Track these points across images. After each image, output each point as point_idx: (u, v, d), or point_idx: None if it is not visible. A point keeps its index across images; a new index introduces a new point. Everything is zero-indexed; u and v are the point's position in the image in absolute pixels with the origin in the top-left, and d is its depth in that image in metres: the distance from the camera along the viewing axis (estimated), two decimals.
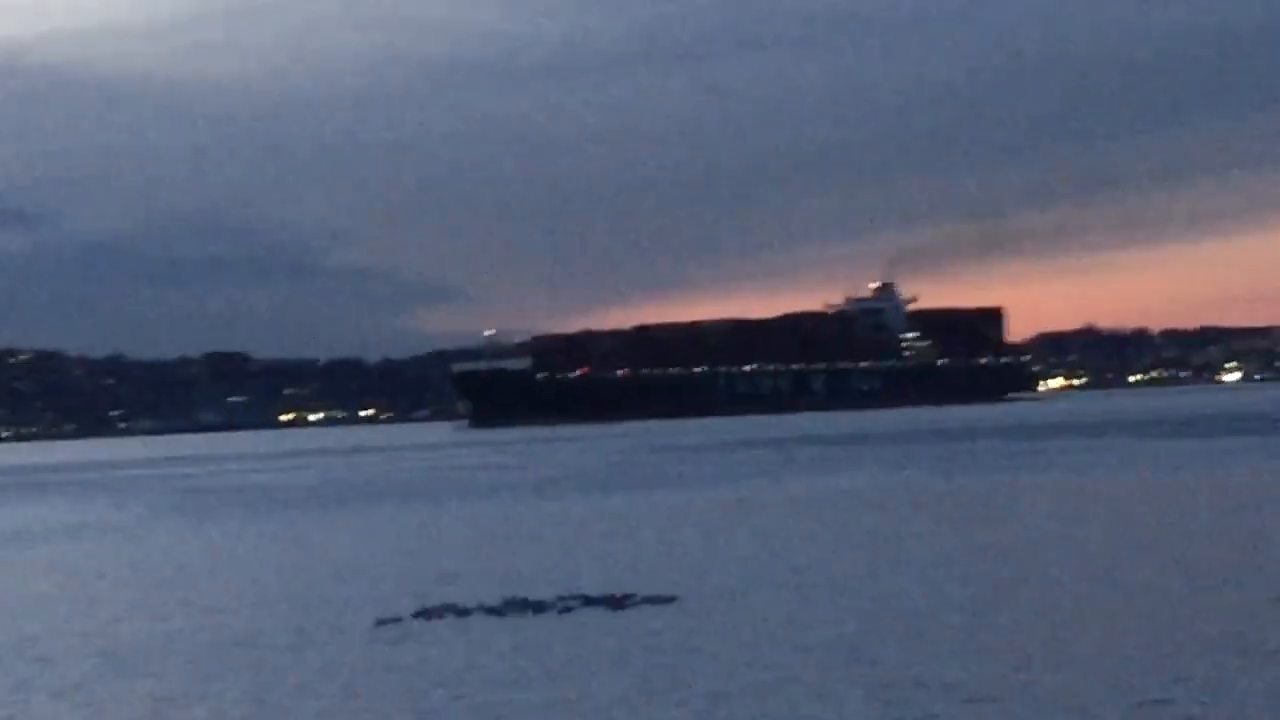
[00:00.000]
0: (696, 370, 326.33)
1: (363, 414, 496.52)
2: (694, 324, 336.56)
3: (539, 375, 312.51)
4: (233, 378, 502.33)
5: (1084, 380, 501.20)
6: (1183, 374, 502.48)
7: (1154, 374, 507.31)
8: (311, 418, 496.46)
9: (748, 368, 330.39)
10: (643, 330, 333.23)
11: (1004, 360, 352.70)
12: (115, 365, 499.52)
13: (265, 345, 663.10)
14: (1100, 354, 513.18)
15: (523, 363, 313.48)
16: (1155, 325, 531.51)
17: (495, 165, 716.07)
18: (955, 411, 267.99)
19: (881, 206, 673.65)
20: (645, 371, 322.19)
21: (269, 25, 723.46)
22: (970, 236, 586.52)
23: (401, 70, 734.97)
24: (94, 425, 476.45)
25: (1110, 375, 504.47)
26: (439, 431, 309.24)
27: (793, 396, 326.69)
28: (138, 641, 35.94)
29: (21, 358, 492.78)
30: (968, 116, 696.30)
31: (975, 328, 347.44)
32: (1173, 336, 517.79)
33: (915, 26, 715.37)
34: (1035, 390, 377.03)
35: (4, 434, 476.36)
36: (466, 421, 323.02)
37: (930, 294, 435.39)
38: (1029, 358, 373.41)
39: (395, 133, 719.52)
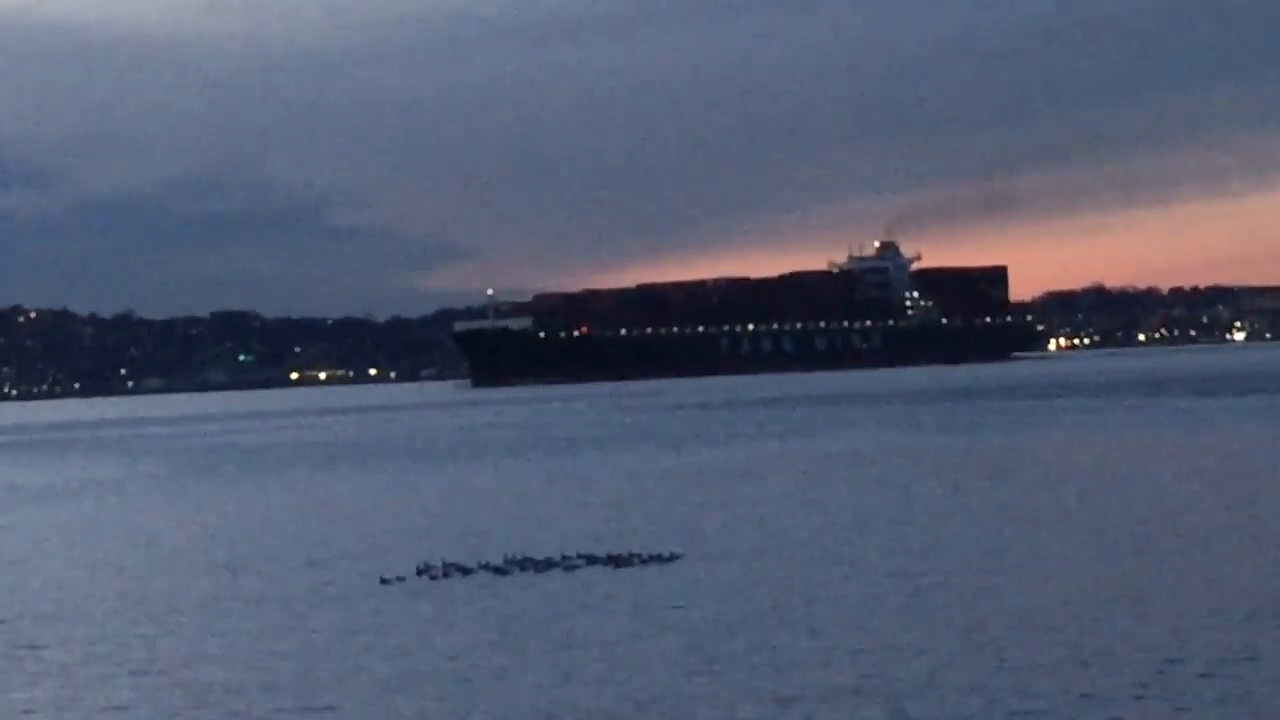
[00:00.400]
0: (699, 329, 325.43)
1: (371, 373, 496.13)
2: (696, 283, 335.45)
3: (540, 334, 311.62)
4: (241, 337, 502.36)
5: (1093, 339, 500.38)
6: (1192, 333, 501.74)
7: (1162, 333, 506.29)
8: (320, 377, 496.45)
9: (750, 327, 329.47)
10: (645, 289, 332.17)
11: (1008, 320, 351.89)
12: (123, 324, 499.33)
13: (273, 304, 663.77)
14: (1109, 313, 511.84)
15: (524, 322, 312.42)
16: (1164, 285, 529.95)
17: (504, 125, 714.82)
18: (958, 371, 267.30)
19: (887, 166, 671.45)
20: (647, 331, 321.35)
21: None
22: (976, 196, 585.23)
23: (411, 29, 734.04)
24: (102, 384, 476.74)
25: (1119, 334, 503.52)
26: (440, 391, 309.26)
27: (795, 356, 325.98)
28: (143, 599, 36.06)
29: (30, 316, 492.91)
30: (974, 76, 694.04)
31: (979, 287, 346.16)
32: (1181, 296, 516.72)
33: None
34: (1039, 349, 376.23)
35: (12, 392, 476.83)
36: (468, 381, 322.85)
37: (937, 254, 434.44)
38: (1032, 317, 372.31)
39: (406, 92, 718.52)
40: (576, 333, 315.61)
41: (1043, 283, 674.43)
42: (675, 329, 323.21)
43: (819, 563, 36.87)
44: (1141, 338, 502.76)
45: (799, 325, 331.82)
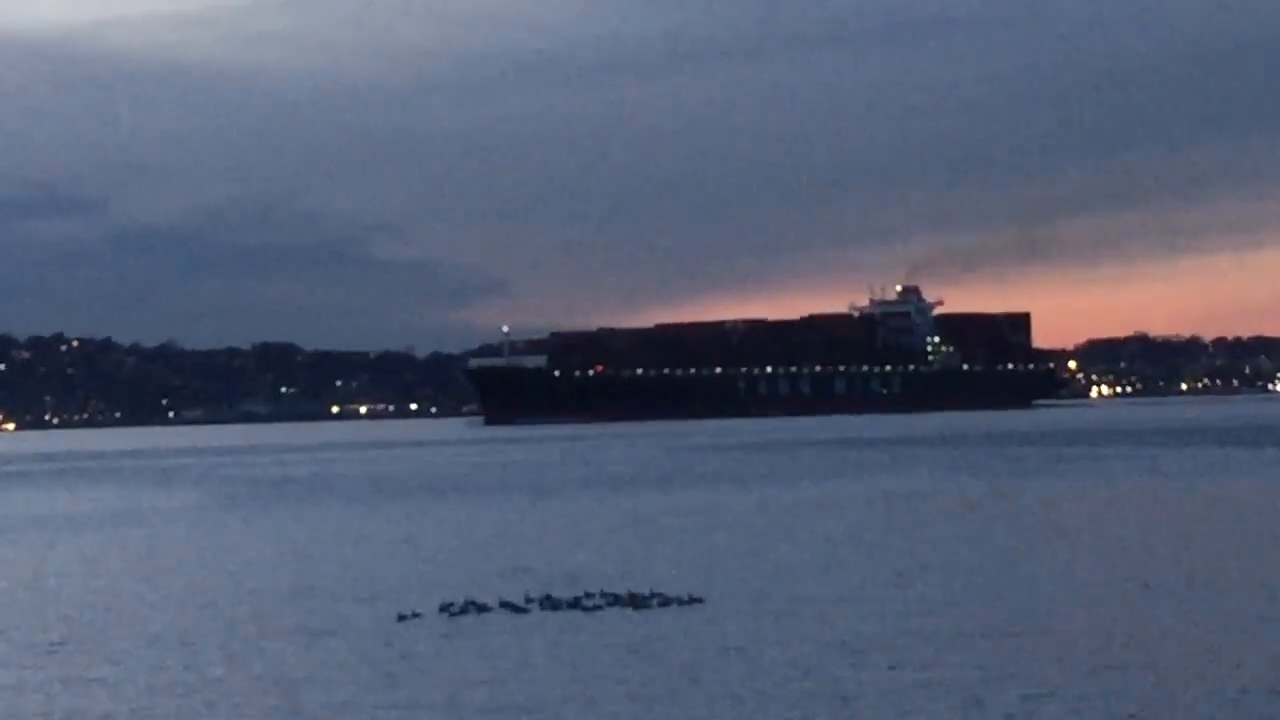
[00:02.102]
0: (716, 371, 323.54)
1: (412, 407, 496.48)
2: (714, 324, 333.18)
3: (555, 373, 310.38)
4: (282, 368, 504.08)
5: (1136, 388, 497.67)
6: (1234, 383, 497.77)
7: (1205, 383, 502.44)
8: (360, 410, 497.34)
9: (768, 369, 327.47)
10: (662, 329, 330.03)
11: (1030, 367, 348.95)
12: (165, 354, 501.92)
13: (315, 337, 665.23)
14: (1152, 362, 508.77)
15: (539, 360, 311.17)
16: (1207, 334, 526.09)
17: (544, 162, 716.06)
18: (977, 417, 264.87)
19: (918, 210, 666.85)
20: (664, 371, 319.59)
21: (323, 15, 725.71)
22: (1013, 242, 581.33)
23: (454, 64, 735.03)
24: (142, 413, 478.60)
25: (1162, 383, 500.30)
26: (451, 429, 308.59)
27: (813, 399, 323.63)
28: (150, 631, 36.26)
29: (71, 344, 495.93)
30: (1011, 122, 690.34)
31: (1001, 333, 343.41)
32: (1224, 346, 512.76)
33: (955, 31, 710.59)
34: (1059, 397, 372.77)
35: (53, 420, 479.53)
36: (481, 419, 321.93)
37: (971, 300, 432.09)
38: (1055, 364, 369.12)
39: (449, 125, 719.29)
40: (592, 371, 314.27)
41: (1086, 330, 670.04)
42: (692, 370, 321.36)
43: (843, 610, 36.06)
44: (1184, 387, 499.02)
45: (818, 368, 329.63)
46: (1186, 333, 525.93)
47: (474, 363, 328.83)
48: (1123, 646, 30.08)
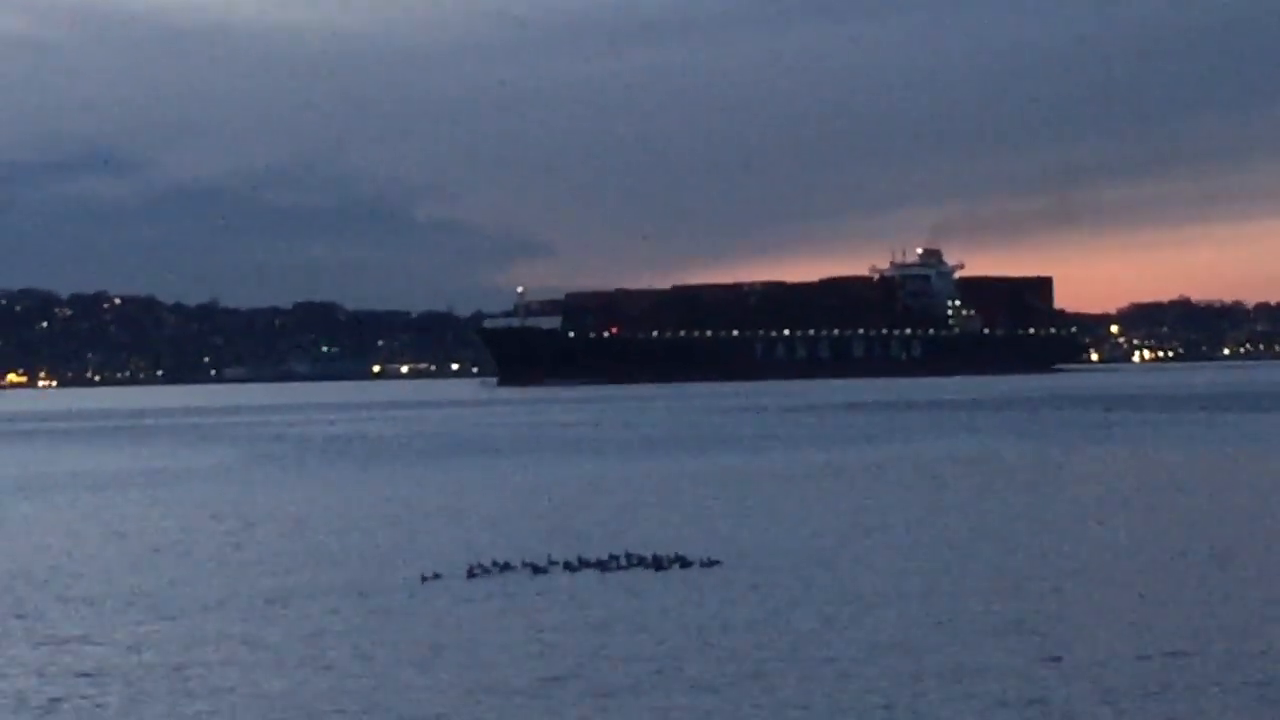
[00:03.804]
0: (733, 333, 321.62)
1: (453, 367, 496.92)
2: (732, 286, 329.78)
3: (570, 334, 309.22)
4: (324, 328, 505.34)
5: (1178, 352, 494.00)
6: (1276, 348, 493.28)
7: (1247, 348, 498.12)
8: (402, 370, 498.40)
9: (786, 332, 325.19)
10: (679, 291, 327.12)
11: (1051, 331, 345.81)
12: (207, 312, 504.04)
13: (357, 297, 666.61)
14: (1194, 326, 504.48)
15: (554, 321, 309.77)
16: (1250, 299, 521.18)
17: (578, 125, 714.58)
18: (996, 382, 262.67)
19: (950, 176, 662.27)
20: (680, 333, 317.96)
21: None
22: (1046, 206, 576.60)
23: (494, 26, 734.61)
24: (184, 372, 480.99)
25: (1204, 348, 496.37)
26: (465, 389, 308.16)
27: (831, 363, 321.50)
28: (174, 591, 36.14)
29: (115, 302, 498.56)
30: (1050, 87, 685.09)
31: (1023, 297, 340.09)
32: (1266, 310, 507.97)
33: None
34: (1088, 362, 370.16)
35: (95, 378, 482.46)
36: (495, 379, 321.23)
37: (1002, 264, 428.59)
38: (1077, 329, 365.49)
39: (491, 88, 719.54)
40: (607, 333, 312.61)
41: (1128, 294, 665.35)
42: (709, 332, 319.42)
43: (855, 576, 35.75)
44: (1226, 351, 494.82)
45: (836, 331, 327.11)
46: (1229, 297, 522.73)
47: (488, 323, 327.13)
48: (1162, 621, 29.50)
